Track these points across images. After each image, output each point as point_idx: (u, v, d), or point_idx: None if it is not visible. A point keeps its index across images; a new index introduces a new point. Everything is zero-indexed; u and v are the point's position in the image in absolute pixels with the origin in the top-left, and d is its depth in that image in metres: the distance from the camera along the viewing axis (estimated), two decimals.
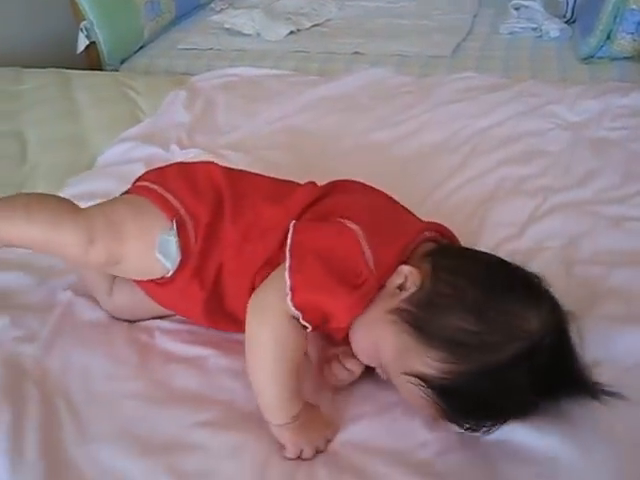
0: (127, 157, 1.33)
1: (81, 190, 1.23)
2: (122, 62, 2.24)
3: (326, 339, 0.83)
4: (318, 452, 0.72)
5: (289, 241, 0.75)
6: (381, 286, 0.74)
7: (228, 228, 0.81)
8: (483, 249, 0.81)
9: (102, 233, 0.79)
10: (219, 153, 1.28)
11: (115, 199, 0.87)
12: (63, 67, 1.95)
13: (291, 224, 0.77)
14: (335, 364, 0.79)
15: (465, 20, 2.21)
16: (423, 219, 0.83)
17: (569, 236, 0.96)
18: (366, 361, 0.77)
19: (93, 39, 2.16)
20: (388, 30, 2.18)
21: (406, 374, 0.69)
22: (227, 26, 2.24)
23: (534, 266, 0.90)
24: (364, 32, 2.18)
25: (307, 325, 0.72)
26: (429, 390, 0.67)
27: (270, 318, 0.73)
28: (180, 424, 0.74)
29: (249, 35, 2.20)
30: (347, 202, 0.82)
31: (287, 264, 0.73)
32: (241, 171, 0.90)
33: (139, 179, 0.89)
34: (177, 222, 0.80)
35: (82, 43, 2.17)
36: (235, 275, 0.81)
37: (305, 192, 0.84)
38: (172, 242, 0.79)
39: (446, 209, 1.04)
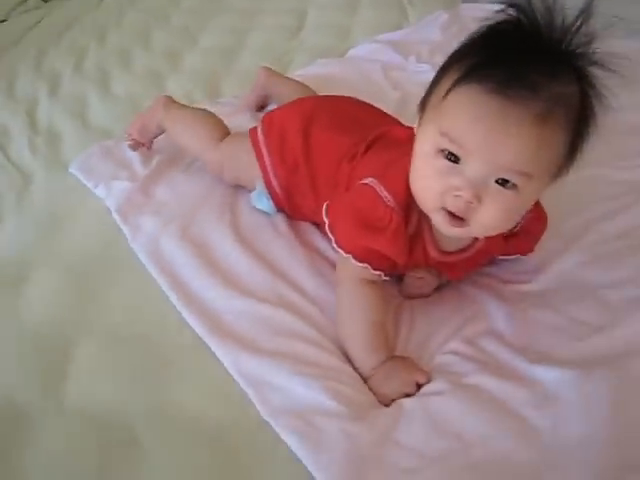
0: (372, 56, 1.51)
1: (316, 72, 1.45)
2: None
3: None
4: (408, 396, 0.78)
5: (325, 219, 0.87)
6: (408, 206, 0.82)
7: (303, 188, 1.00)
8: None
9: (228, 166, 1.09)
10: None
11: (243, 142, 1.06)
12: None
13: (324, 206, 0.89)
14: (408, 277, 0.91)
15: None
16: None
17: None
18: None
19: None
20: None
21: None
22: None
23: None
24: None
25: (378, 273, 0.84)
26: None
27: (345, 286, 0.86)
28: None
29: None
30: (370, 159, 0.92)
31: (329, 232, 0.86)
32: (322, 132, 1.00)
33: (267, 114, 1.09)
34: (267, 184, 1.03)
35: None
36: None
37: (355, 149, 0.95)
38: (264, 200, 1.04)
39: None
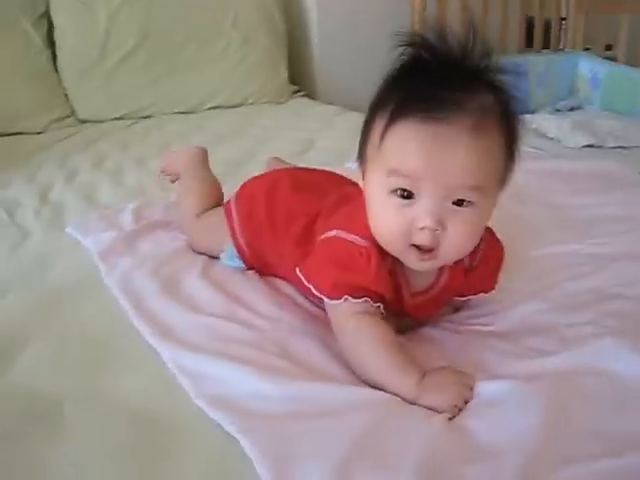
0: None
1: None
2: None
3: None
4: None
5: (302, 276, 0.86)
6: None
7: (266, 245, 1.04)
8: None
9: (201, 235, 1.16)
10: None
11: (219, 212, 1.13)
12: None
13: (297, 270, 0.87)
14: None
15: None
16: None
17: None
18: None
19: None
20: None
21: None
22: (534, 126, 2.43)
23: None
24: None
25: (377, 304, 0.82)
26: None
27: (347, 328, 0.81)
28: None
29: (551, 139, 2.35)
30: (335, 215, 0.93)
31: (315, 290, 0.84)
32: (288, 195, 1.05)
33: (242, 186, 1.14)
34: (235, 242, 1.07)
35: None
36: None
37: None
38: (234, 259, 1.08)
39: None
